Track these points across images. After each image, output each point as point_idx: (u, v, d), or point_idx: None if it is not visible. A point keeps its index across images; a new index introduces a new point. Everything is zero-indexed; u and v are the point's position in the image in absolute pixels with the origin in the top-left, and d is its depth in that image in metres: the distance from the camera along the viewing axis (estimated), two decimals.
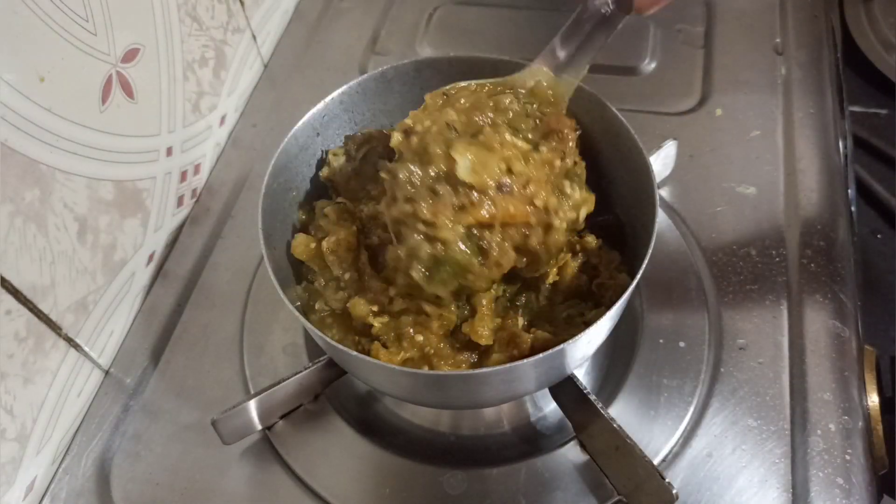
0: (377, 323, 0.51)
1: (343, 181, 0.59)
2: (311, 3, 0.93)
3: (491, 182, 0.46)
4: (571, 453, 0.56)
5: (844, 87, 0.80)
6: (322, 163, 0.60)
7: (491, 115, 0.50)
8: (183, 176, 0.72)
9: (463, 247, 0.46)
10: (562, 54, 0.52)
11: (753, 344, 0.60)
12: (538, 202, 0.47)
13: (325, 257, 0.54)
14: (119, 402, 0.62)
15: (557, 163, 0.49)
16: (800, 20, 0.84)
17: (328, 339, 0.47)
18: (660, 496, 0.49)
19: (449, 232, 0.46)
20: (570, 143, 0.50)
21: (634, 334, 0.61)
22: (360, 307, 0.51)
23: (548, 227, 0.48)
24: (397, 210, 0.47)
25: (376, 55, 0.87)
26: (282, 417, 0.59)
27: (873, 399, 0.58)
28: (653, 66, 0.82)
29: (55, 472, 0.59)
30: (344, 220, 0.56)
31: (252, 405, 0.55)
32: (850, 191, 0.71)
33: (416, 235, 0.46)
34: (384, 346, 0.51)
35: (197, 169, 0.74)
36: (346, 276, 0.53)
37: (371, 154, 0.59)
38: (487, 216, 0.46)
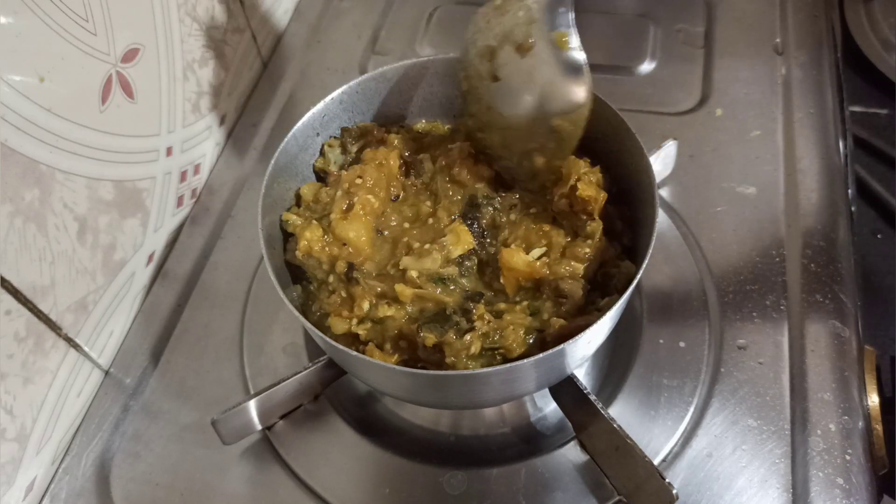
0: (362, 331, 0.51)
1: (335, 172, 0.59)
2: (311, 3, 0.93)
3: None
4: (571, 453, 0.56)
5: (844, 87, 0.80)
6: None
7: None
8: (183, 176, 0.72)
9: None
10: None
11: (753, 344, 0.60)
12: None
13: (303, 265, 0.54)
14: (119, 402, 0.62)
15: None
16: (800, 20, 0.84)
17: (328, 340, 0.47)
18: (660, 496, 0.49)
19: None
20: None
21: (634, 335, 0.61)
22: (339, 324, 0.51)
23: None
24: None
25: (376, 55, 0.86)
26: (282, 417, 0.59)
27: (873, 399, 0.58)
28: (653, 66, 0.82)
29: (55, 473, 0.59)
30: (305, 219, 0.55)
31: (252, 405, 0.55)
32: (850, 191, 0.71)
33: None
34: (378, 347, 0.51)
35: (197, 169, 0.74)
36: (331, 277, 0.53)
37: (366, 148, 0.59)
38: None
